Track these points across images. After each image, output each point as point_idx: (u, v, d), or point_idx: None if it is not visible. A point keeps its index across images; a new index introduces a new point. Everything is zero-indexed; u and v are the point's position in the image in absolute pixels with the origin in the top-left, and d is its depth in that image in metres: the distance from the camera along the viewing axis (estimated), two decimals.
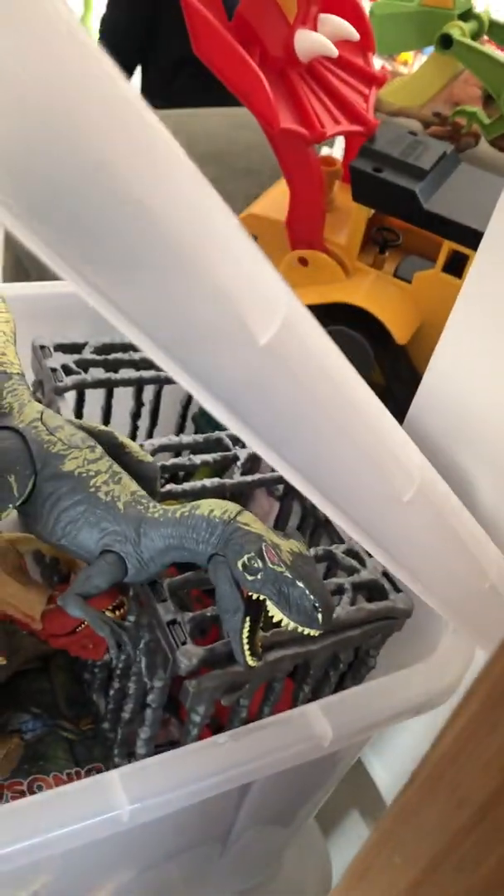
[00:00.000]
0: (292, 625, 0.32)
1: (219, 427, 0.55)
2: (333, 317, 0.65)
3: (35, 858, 0.33)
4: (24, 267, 0.86)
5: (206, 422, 0.59)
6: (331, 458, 0.25)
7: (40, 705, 0.49)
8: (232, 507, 0.35)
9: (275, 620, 0.33)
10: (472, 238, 0.59)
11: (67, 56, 0.18)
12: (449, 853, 0.19)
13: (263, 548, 0.33)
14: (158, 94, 1.60)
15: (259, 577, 0.32)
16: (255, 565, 0.32)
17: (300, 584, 0.32)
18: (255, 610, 0.33)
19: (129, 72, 1.62)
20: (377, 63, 0.71)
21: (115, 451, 0.42)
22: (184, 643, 0.35)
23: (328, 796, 0.53)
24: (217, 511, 0.35)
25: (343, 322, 0.65)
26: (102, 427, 0.43)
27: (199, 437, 0.49)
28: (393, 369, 0.65)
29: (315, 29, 0.64)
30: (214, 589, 0.35)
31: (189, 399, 0.60)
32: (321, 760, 0.44)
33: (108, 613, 0.40)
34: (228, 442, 0.49)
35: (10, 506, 0.39)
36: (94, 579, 0.37)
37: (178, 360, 0.22)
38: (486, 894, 0.18)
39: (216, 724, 0.42)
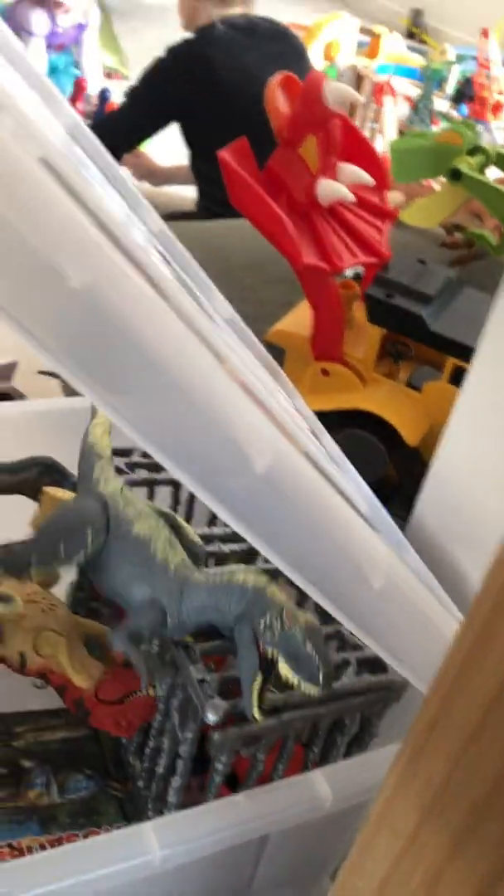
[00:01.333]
0: (297, 680, 0.39)
1: None
2: (352, 421, 0.73)
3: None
4: None
5: None
6: (315, 555, 0.32)
7: (92, 767, 0.56)
8: (264, 578, 0.43)
9: (283, 676, 0.40)
10: (472, 355, 0.67)
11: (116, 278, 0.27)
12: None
13: (283, 613, 0.40)
14: (218, 201, 1.80)
15: (277, 636, 0.40)
16: (275, 626, 0.40)
17: (309, 649, 0.39)
18: (266, 671, 0.41)
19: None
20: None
21: (174, 530, 0.50)
22: (211, 697, 0.42)
23: (339, 860, 0.58)
24: (251, 580, 0.42)
25: (361, 426, 0.73)
26: (166, 510, 0.52)
27: (228, 529, 0.56)
28: (405, 468, 0.73)
29: (335, 177, 0.74)
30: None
31: None
32: (331, 824, 0.50)
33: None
34: None
35: (83, 552, 0.47)
36: (138, 619, 0.45)
37: (201, 484, 0.30)
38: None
39: (234, 783, 0.48)
